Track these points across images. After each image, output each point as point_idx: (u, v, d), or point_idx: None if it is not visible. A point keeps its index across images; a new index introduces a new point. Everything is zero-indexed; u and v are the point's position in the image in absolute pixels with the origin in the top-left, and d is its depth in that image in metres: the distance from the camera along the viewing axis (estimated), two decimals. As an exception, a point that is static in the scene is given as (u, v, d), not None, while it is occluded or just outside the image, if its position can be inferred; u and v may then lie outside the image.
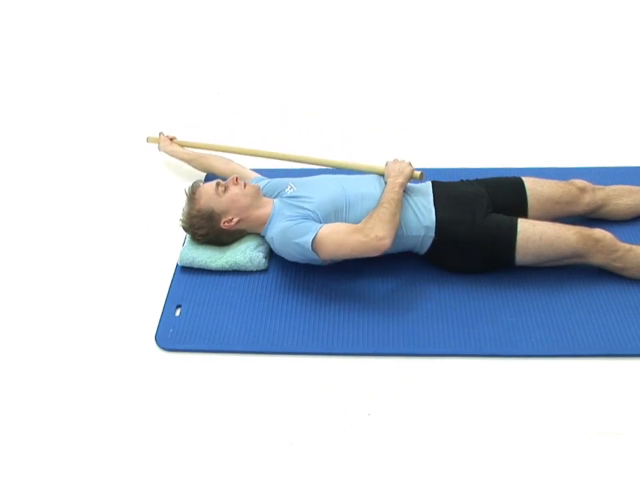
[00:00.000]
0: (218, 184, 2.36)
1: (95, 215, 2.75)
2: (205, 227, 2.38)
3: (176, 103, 3.47)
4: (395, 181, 2.29)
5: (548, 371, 2.04)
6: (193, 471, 1.85)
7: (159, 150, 2.95)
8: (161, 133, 2.95)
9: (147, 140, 3.00)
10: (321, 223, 2.24)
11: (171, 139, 2.92)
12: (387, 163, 2.41)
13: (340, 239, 2.17)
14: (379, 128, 3.18)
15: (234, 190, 2.35)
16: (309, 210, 2.26)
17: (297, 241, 2.20)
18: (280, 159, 2.69)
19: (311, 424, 1.94)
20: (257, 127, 3.22)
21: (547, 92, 3.39)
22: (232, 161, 2.73)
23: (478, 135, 3.10)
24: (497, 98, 3.37)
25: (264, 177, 2.58)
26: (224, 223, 2.35)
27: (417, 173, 2.36)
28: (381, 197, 2.26)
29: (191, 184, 2.42)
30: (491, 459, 1.83)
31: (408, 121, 3.22)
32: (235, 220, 2.35)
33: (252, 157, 2.74)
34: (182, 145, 2.90)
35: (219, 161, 2.75)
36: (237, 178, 2.39)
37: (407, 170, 2.34)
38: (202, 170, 2.82)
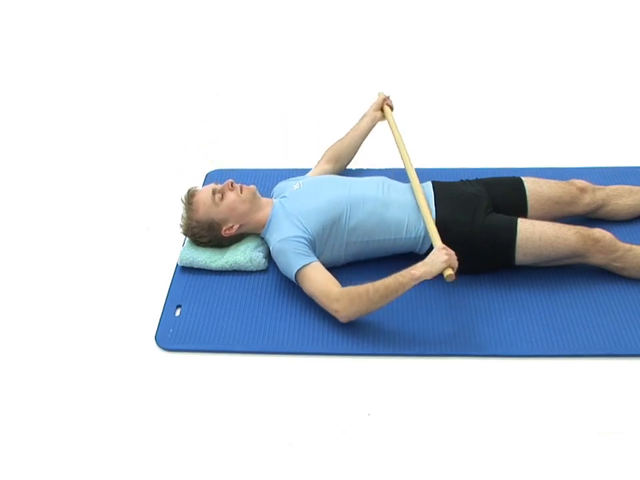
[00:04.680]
0: (214, 192, 2.33)
1: (95, 214, 2.75)
2: (207, 236, 2.37)
3: (176, 103, 3.46)
4: (416, 273, 2.04)
5: (548, 370, 2.04)
6: (193, 471, 1.85)
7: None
8: (380, 93, 2.79)
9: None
10: (313, 247, 2.23)
11: (388, 106, 2.74)
12: (436, 243, 2.14)
13: (314, 289, 2.17)
14: (379, 128, 3.17)
15: (231, 197, 2.33)
16: (304, 229, 2.23)
17: (285, 264, 2.23)
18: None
19: (310, 424, 1.94)
20: (257, 127, 3.22)
21: (546, 92, 3.39)
22: (335, 161, 2.66)
23: (478, 135, 3.10)
24: (497, 98, 3.37)
25: (297, 178, 2.52)
26: (225, 230, 2.35)
27: (448, 274, 2.03)
28: (393, 275, 2.07)
29: (186, 190, 2.39)
30: (491, 459, 1.83)
31: (408, 121, 3.21)
32: (236, 227, 2.35)
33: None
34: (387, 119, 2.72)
35: (337, 151, 2.67)
36: (231, 183, 2.35)
37: (438, 267, 2.04)
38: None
